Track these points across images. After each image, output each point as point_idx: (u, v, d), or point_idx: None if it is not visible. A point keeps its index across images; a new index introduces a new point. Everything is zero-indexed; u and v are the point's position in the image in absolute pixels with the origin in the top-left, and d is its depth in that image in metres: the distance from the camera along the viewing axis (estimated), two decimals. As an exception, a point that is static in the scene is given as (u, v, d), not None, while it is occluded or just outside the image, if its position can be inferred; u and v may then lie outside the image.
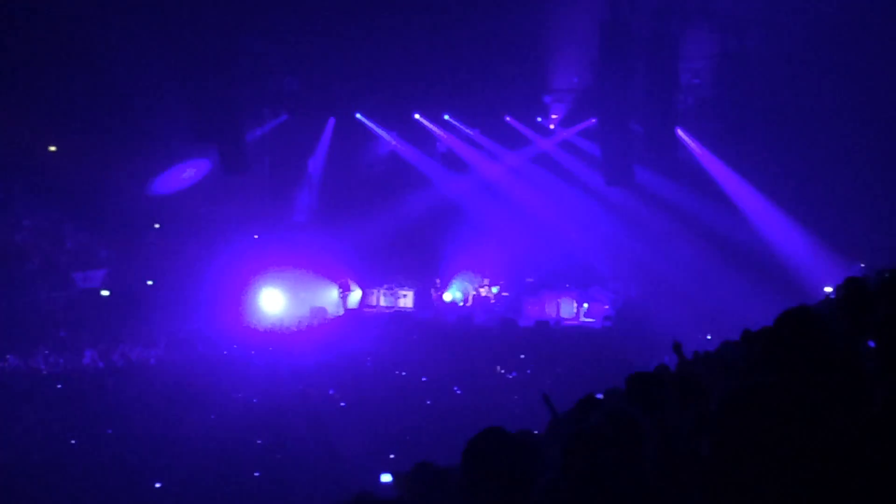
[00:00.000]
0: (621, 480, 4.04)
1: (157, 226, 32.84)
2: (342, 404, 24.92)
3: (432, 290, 32.66)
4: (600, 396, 11.47)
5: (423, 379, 26.44)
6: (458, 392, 25.65)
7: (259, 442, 22.19)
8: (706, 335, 24.72)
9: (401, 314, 32.07)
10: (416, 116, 32.63)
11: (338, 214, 33.17)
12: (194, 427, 22.52)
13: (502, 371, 26.97)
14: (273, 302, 32.90)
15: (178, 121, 28.18)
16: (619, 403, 8.77)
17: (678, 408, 5.73)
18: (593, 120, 30.31)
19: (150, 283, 32.12)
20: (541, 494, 4.22)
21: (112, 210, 30.57)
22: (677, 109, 27.01)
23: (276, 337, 30.15)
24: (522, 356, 27.70)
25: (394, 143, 33.38)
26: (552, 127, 31.92)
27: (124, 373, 27.16)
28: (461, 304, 32.96)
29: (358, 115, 32.59)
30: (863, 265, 24.63)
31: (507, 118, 32.06)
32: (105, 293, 31.53)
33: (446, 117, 32.47)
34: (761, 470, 2.51)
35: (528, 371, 26.94)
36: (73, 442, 21.87)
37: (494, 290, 32.64)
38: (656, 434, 5.02)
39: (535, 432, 8.98)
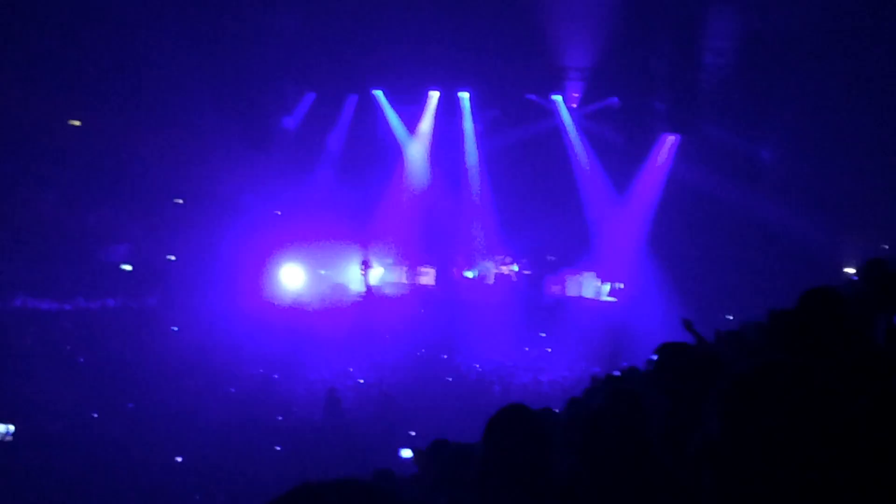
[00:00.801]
0: (628, 460, 4.03)
1: (179, 201, 32.92)
2: (361, 381, 25.02)
3: (454, 268, 32.65)
4: (617, 374, 11.49)
5: (444, 356, 26.51)
6: (479, 368, 25.72)
7: (280, 419, 22.32)
8: (727, 315, 24.65)
9: (422, 291, 32.11)
10: (435, 94, 32.56)
11: (359, 191, 33.13)
12: (215, 401, 22.68)
13: (527, 349, 27.01)
14: (293, 278, 32.95)
15: (202, 96, 28.22)
16: (631, 381, 8.78)
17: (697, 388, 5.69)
18: (615, 99, 30.17)
19: (171, 258, 32.23)
20: (562, 480, 4.22)
21: (135, 185, 30.66)
22: (701, 88, 26.84)
23: (297, 313, 30.22)
24: (543, 334, 27.73)
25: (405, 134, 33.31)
26: (574, 105, 31.77)
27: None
28: (477, 274, 33.01)
29: (376, 92, 32.54)
30: (886, 246, 24.49)
31: (529, 96, 31.93)
32: (127, 268, 31.69)
33: (464, 95, 32.39)
34: (771, 453, 2.48)
35: (549, 349, 26.97)
36: (94, 415, 22.06)
37: (514, 267, 32.60)
38: (662, 411, 5.00)
39: (556, 411, 9.00)
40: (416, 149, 33.75)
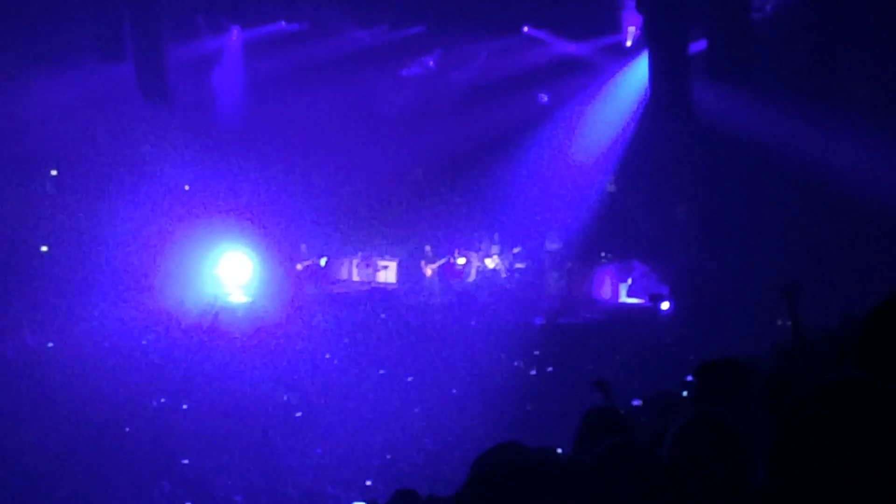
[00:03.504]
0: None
1: (54, 172, 32.67)
2: (298, 414, 24.96)
3: (423, 261, 32.57)
4: (637, 403, 11.52)
5: (409, 379, 26.47)
6: (456, 394, 25.68)
7: (185, 462, 22.25)
8: (788, 321, 24.65)
9: (380, 292, 32.02)
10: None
11: (295, 157, 32.95)
12: (103, 446, 22.55)
13: (517, 364, 26.98)
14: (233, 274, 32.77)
15: (81, 30, 28.02)
16: (679, 409, 8.80)
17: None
18: (632, 28, 29.94)
19: (44, 249, 32.00)
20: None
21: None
22: (752, 18, 26.76)
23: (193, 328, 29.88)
24: (536, 352, 27.66)
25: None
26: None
27: (15, 365, 27.24)
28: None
29: None
30: None
31: (525, 28, 31.76)
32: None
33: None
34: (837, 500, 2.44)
35: (550, 368, 26.97)
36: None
37: (496, 260, 32.38)
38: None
39: (559, 451, 9.02)
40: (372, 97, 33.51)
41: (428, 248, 32.44)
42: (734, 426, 4.36)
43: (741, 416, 5.41)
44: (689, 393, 9.70)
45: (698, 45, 27.00)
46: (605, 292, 31.36)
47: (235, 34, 31.89)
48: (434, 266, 32.37)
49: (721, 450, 4.17)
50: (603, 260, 31.75)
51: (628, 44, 30.87)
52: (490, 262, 32.53)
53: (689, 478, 4.04)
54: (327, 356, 27.64)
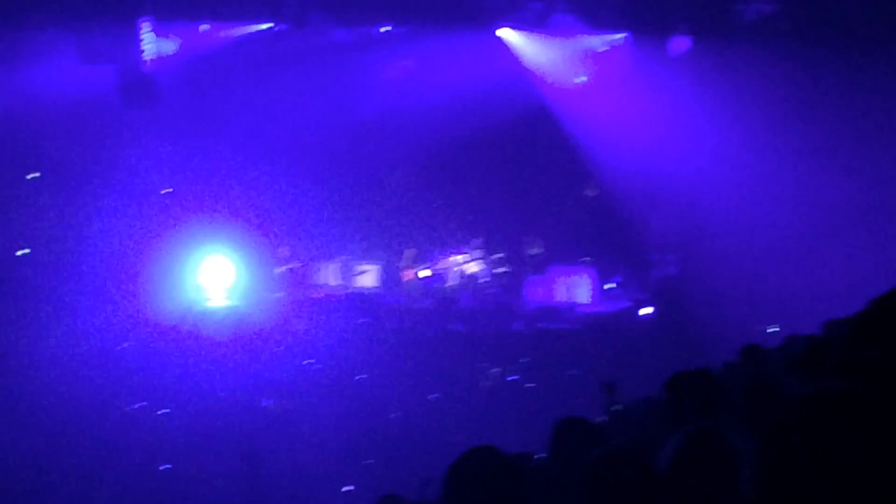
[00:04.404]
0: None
1: (32, 175, 32.53)
2: (278, 420, 24.90)
3: (403, 266, 32.51)
4: (616, 408, 11.48)
5: (388, 384, 26.41)
6: (435, 397, 25.65)
7: (168, 467, 22.18)
8: (773, 326, 24.60)
9: (359, 297, 31.93)
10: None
11: (274, 160, 32.84)
12: (80, 452, 22.45)
13: (496, 370, 26.95)
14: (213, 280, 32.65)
15: (60, 31, 27.94)
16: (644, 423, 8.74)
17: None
18: (624, 34, 29.92)
19: (21, 252, 31.88)
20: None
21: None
22: (739, 21, 26.81)
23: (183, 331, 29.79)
24: (516, 357, 27.64)
25: None
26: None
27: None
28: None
29: None
30: None
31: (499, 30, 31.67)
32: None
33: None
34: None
35: (530, 373, 26.95)
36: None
37: (476, 266, 32.35)
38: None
39: (537, 456, 8.97)
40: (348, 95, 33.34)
41: (408, 252, 32.40)
42: (733, 444, 4.32)
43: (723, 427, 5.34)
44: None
45: (682, 48, 27.03)
46: (586, 297, 31.29)
47: (215, 35, 31.70)
48: (415, 271, 32.33)
49: (719, 467, 4.12)
50: (584, 264, 31.71)
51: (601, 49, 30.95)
52: (470, 267, 32.48)
53: (682, 491, 3.99)
54: (307, 362, 27.55)
